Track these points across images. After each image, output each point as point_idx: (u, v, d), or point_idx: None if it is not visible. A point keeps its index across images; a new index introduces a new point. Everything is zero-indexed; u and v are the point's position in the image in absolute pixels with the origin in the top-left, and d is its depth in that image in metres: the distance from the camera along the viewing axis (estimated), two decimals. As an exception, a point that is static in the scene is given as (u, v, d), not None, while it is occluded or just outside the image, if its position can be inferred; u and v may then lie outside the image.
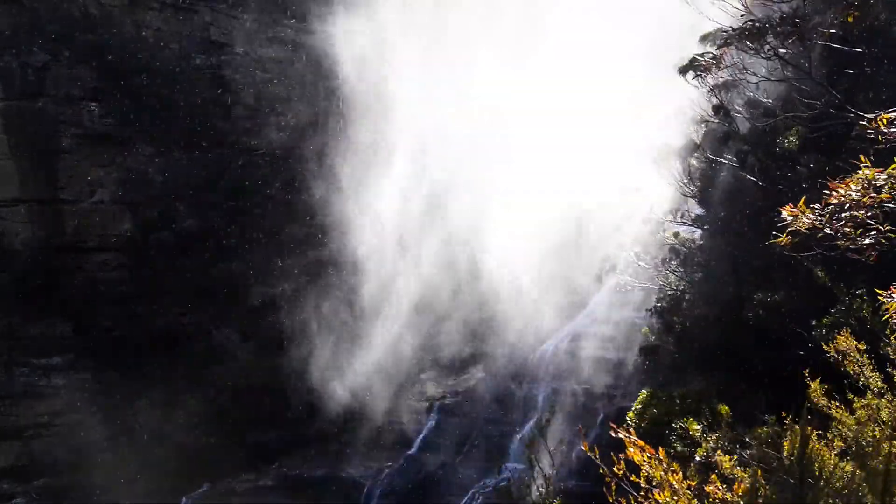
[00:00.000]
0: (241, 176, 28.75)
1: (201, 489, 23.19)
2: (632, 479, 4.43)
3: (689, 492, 4.05)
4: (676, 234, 16.99)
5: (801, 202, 4.68)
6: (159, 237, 27.10)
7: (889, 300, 5.74)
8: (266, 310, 27.83)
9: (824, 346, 7.61)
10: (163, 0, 28.74)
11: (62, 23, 26.60)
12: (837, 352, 7.45)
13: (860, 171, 4.87)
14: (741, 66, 9.64)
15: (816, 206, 4.69)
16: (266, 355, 26.74)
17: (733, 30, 6.81)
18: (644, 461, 4.21)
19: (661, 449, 4.33)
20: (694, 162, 15.79)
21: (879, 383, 7.01)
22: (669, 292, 16.79)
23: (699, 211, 16.98)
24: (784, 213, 4.73)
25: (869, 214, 4.83)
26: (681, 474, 4.15)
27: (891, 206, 4.59)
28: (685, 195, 16.27)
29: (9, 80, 25.51)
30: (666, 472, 4.10)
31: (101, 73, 26.85)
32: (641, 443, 4.30)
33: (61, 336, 25.48)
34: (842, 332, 7.63)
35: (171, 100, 27.96)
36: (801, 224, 4.57)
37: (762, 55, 7.47)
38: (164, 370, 25.72)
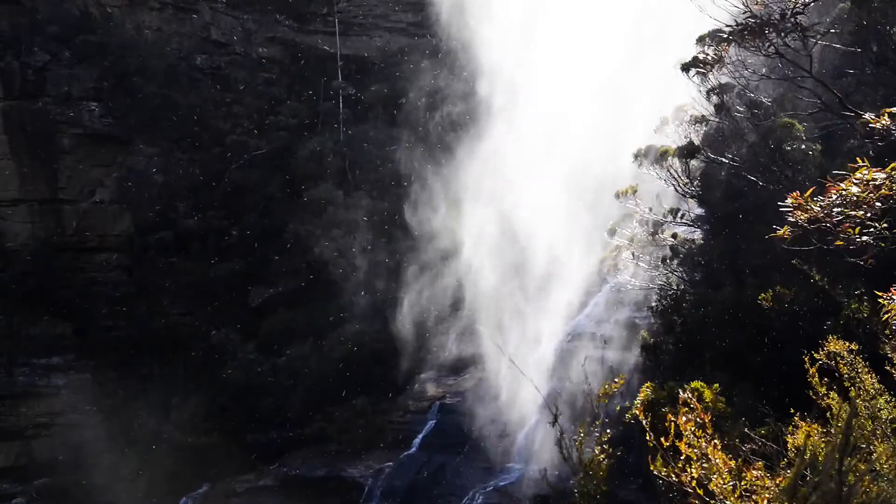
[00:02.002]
0: (241, 176, 28.71)
1: (201, 489, 23.10)
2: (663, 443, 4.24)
3: (727, 473, 3.94)
4: (676, 235, 16.93)
5: (808, 192, 4.63)
6: (159, 237, 27.09)
7: (890, 301, 5.70)
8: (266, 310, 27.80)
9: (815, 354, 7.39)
10: (163, 0, 28.75)
11: (62, 23, 26.61)
12: (829, 355, 7.31)
13: (859, 172, 4.85)
14: (742, 65, 9.63)
15: (818, 198, 4.64)
16: (266, 355, 26.69)
17: (736, 24, 6.80)
18: (690, 429, 4.08)
19: (707, 414, 4.20)
20: (694, 162, 15.73)
21: (876, 384, 6.93)
22: (669, 292, 16.73)
23: (699, 211, 16.92)
24: (788, 200, 4.67)
25: (868, 215, 4.79)
26: (721, 453, 4.03)
27: (891, 202, 4.56)
28: (685, 195, 16.21)
29: (9, 80, 25.52)
30: (708, 443, 4.00)
31: (101, 73, 26.85)
32: (702, 400, 4.13)
33: (61, 336, 25.47)
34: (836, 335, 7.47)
35: (171, 100, 27.95)
36: (802, 214, 4.53)
37: (763, 52, 7.46)
38: (164, 370, 25.70)
